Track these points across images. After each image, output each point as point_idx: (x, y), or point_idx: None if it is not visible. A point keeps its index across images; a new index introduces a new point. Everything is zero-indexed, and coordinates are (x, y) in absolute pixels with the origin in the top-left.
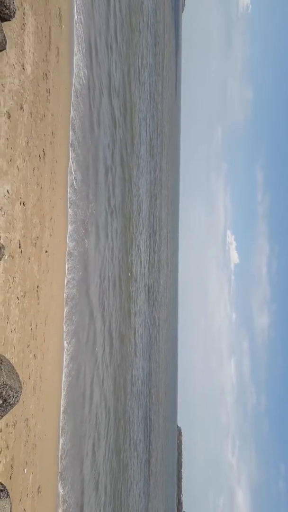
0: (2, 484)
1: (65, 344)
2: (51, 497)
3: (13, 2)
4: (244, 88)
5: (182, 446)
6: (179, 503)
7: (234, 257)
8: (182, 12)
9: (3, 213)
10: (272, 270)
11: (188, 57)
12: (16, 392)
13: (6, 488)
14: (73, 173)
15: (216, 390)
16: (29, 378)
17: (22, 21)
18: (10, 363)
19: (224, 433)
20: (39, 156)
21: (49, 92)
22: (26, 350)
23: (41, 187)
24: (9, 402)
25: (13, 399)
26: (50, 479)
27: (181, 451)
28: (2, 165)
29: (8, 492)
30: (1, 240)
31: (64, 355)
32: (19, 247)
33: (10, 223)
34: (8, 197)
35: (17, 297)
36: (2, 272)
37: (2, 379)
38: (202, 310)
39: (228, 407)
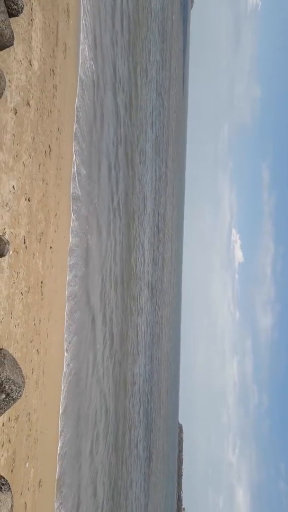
0: (3, 477)
1: (68, 340)
2: (52, 491)
3: None
4: (252, 87)
5: (183, 443)
6: (179, 499)
7: (239, 256)
8: (191, 9)
9: (8, 208)
10: (276, 270)
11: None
12: (19, 387)
13: (8, 481)
14: (78, 169)
15: (218, 388)
16: (32, 373)
17: (30, 17)
18: (13, 357)
19: (225, 432)
20: (45, 152)
21: (56, 88)
22: (29, 345)
23: (47, 183)
24: (12, 397)
25: (16, 394)
26: (51, 473)
27: (182, 448)
28: (8, 161)
29: (9, 486)
30: (6, 235)
31: (67, 351)
32: (24, 242)
33: (15, 219)
34: (14, 193)
35: (21, 292)
36: (7, 268)
37: (5, 373)
38: (206, 309)
39: (230, 406)
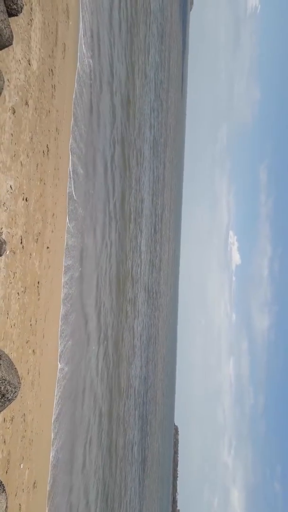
0: None
1: (63, 342)
2: (46, 492)
3: None
4: (251, 88)
5: (179, 444)
6: (174, 501)
7: (236, 258)
8: (190, 10)
9: (6, 208)
10: (273, 272)
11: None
12: (14, 388)
13: (2, 482)
14: (76, 170)
15: (214, 390)
16: (28, 374)
17: (29, 17)
18: (9, 358)
19: (221, 433)
20: (43, 152)
21: (55, 88)
22: (25, 346)
23: (44, 183)
24: (7, 397)
25: (11, 394)
26: (46, 474)
27: (178, 449)
28: (6, 160)
29: (4, 487)
30: (3, 235)
31: (62, 353)
32: (21, 242)
33: (12, 219)
34: (11, 192)
35: (18, 293)
36: (4, 268)
37: (0, 374)
38: (202, 310)
39: (226, 407)
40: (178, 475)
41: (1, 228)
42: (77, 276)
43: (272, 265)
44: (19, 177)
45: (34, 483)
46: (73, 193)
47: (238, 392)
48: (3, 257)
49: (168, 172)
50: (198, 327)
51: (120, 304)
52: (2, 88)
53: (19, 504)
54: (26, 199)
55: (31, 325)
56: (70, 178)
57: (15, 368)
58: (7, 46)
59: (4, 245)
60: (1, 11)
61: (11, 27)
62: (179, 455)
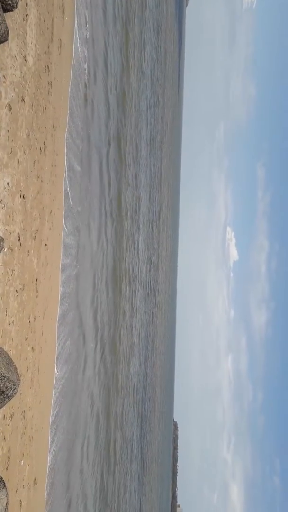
0: None
1: (61, 339)
2: (46, 488)
3: None
4: (247, 85)
5: (178, 440)
6: (174, 497)
7: (234, 254)
8: (186, 6)
9: (3, 205)
10: (271, 268)
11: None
12: (14, 385)
13: (3, 479)
14: (73, 166)
15: (213, 386)
16: (27, 371)
17: (24, 12)
18: (8, 355)
19: (220, 429)
20: (40, 149)
21: (51, 84)
22: (24, 343)
23: (42, 180)
24: (6, 394)
25: (11, 391)
26: (46, 471)
27: (177, 445)
28: (3, 157)
29: (4, 483)
30: (1, 232)
31: (61, 350)
32: (19, 240)
33: (9, 216)
34: (8, 189)
35: (16, 290)
36: (1, 265)
37: (0, 371)
38: (201, 306)
39: (225, 403)
40: (177, 471)
41: None
42: (76, 272)
43: (269, 261)
44: (16, 174)
45: (35, 479)
46: (70, 190)
47: (236, 388)
48: (0, 254)
49: (166, 168)
50: (196, 323)
51: (118, 300)
52: None
53: (20, 501)
54: (23, 196)
55: (29, 322)
56: (67, 175)
57: (14, 365)
58: (2, 42)
59: (1, 243)
60: None
61: (7, 22)
62: (178, 451)
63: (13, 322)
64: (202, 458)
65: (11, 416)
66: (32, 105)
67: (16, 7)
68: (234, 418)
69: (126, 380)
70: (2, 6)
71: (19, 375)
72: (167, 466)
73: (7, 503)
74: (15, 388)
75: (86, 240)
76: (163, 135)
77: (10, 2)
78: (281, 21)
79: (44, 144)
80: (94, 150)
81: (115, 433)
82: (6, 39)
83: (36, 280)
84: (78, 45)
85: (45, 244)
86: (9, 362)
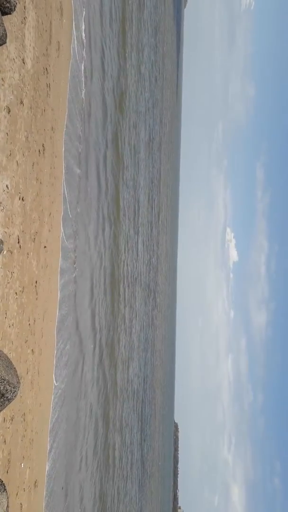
0: None
1: (61, 341)
2: (46, 491)
3: None
4: (246, 85)
5: (179, 441)
6: (175, 498)
7: (233, 254)
8: (185, 7)
9: (2, 208)
10: (271, 269)
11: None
12: (13, 387)
13: (3, 482)
14: (72, 168)
15: (213, 387)
16: (27, 373)
17: (23, 15)
18: (8, 358)
19: (220, 430)
20: (39, 151)
21: (49, 86)
22: (24, 345)
23: (41, 182)
24: (6, 397)
25: (11, 394)
26: (46, 473)
27: (178, 446)
28: (2, 160)
29: (5, 486)
30: (0, 235)
31: (61, 352)
32: (18, 242)
33: (9, 218)
34: (7, 192)
35: (16, 292)
36: (1, 267)
37: (0, 374)
38: (200, 308)
39: (225, 404)
40: (178, 472)
41: None
42: (75, 275)
43: (269, 262)
44: (15, 176)
45: (35, 482)
46: (69, 192)
47: (237, 389)
48: (0, 257)
49: (164, 169)
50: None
51: (117, 303)
52: None
53: (20, 504)
54: (22, 199)
55: (29, 324)
56: (66, 177)
57: (14, 368)
58: (0, 45)
59: (1, 245)
60: None
61: (5, 25)
62: (179, 452)
63: (13, 325)
64: (202, 459)
65: (12, 419)
66: (30, 108)
67: (15, 10)
68: (234, 419)
69: (126, 382)
70: (0, 9)
71: (19, 378)
72: (168, 468)
73: (7, 506)
74: (15, 391)
75: (86, 241)
76: (162, 136)
77: (8, 5)
78: (279, 22)
79: (43, 146)
80: (92, 152)
81: (117, 433)
82: (5, 42)
83: (36, 282)
84: (76, 47)
85: (45, 246)
86: (9, 364)
